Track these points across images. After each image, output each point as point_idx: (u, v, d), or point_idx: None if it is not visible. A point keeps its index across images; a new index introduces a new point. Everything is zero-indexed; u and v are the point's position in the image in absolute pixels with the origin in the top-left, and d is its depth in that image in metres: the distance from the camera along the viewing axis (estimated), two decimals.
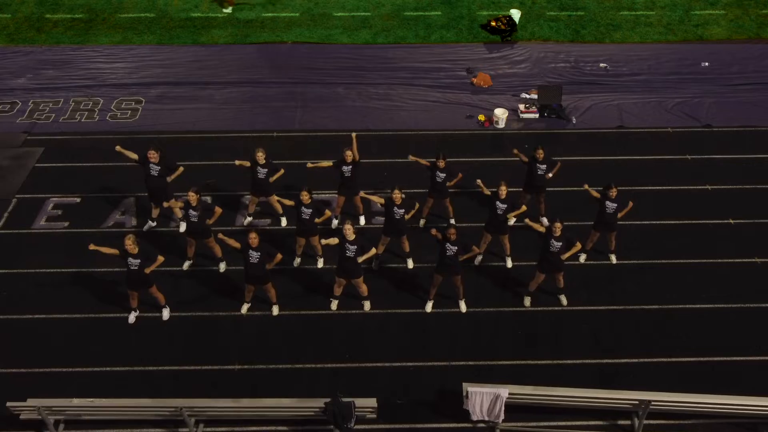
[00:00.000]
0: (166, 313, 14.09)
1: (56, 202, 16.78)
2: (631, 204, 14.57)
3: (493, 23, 22.76)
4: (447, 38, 22.89)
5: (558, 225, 13.25)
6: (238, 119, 19.54)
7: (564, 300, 14.27)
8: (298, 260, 15.18)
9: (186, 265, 15.06)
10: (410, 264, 15.12)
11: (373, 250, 13.71)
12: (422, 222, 15.73)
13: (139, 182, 15.68)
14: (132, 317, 14.03)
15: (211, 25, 23.39)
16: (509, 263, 15.10)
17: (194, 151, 18.23)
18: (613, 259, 15.16)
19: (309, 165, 15.27)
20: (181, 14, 23.86)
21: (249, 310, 14.21)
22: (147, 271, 13.23)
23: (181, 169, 15.48)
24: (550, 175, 15.24)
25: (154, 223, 16.03)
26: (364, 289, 13.98)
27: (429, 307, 14.25)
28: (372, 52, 22.22)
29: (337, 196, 15.70)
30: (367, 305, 14.25)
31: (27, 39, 22.74)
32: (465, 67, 21.61)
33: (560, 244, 13.38)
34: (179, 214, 15.37)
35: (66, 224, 16.22)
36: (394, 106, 20.03)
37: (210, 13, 23.91)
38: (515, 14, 22.79)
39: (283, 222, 16.02)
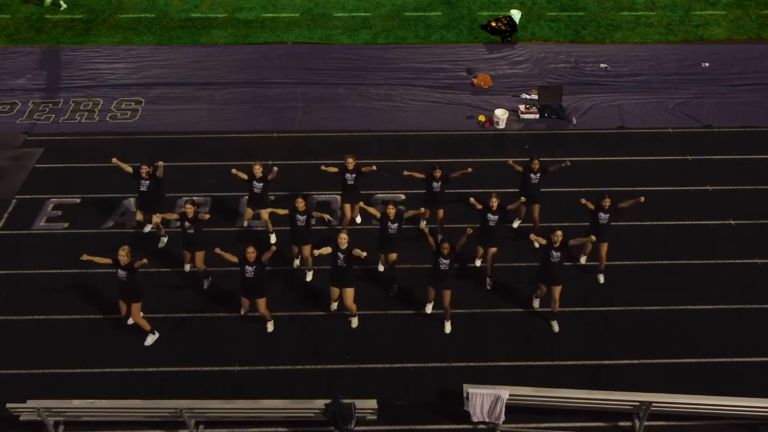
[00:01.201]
0: (149, 340, 13.65)
1: (56, 203, 16.76)
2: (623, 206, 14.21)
3: (494, 24, 22.75)
4: (447, 39, 22.87)
5: (558, 233, 13.08)
6: (238, 120, 19.52)
7: (556, 327, 13.89)
8: (297, 262, 15.16)
9: (187, 267, 15.01)
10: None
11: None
12: (423, 224, 15.69)
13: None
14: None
15: (211, 25, 23.38)
16: (488, 283, 14.72)
17: (194, 151, 18.23)
18: (601, 278, 14.79)
19: (322, 168, 15.16)
20: (181, 14, 23.85)
21: (248, 311, 14.17)
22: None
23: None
24: (565, 164, 14.95)
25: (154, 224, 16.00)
26: (350, 303, 13.65)
27: (429, 308, 14.22)
28: (372, 53, 22.21)
29: (340, 202, 15.68)
30: (354, 322, 14.01)
31: (27, 39, 22.73)
32: (465, 67, 21.59)
33: (560, 254, 13.20)
34: (175, 216, 15.03)
35: (66, 225, 16.20)
36: (394, 107, 20.02)
37: (210, 14, 23.91)
38: (515, 15, 22.78)
39: (273, 239, 15.45)
